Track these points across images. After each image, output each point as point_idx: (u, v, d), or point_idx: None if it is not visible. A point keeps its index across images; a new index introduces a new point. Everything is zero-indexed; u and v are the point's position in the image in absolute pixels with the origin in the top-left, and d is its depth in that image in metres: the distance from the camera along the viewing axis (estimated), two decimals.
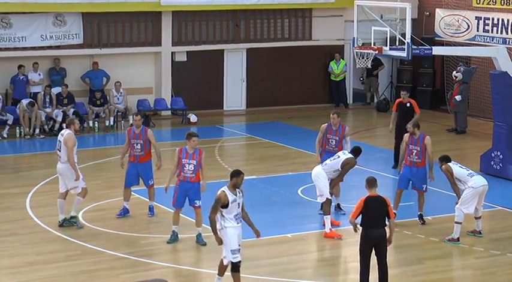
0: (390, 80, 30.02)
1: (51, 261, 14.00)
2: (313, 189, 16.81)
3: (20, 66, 24.53)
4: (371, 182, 12.47)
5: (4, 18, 24.46)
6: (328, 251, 14.93)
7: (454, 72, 25.29)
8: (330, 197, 15.78)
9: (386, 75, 29.89)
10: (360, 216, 12.33)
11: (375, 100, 29.26)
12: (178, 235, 15.01)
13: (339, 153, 16.17)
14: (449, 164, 15.48)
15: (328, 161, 16.00)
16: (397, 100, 20.98)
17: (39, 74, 24.90)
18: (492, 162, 19.89)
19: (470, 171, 15.75)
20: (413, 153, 16.47)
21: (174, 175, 14.89)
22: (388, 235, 12.30)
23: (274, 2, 27.58)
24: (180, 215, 16.37)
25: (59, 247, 14.75)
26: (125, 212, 16.47)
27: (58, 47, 25.36)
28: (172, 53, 26.97)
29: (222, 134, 24.90)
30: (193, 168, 14.66)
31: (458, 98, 24.80)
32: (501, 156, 19.75)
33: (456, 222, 15.19)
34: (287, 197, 17.90)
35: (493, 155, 19.90)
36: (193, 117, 25.86)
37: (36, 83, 24.74)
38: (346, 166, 15.86)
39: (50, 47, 25.21)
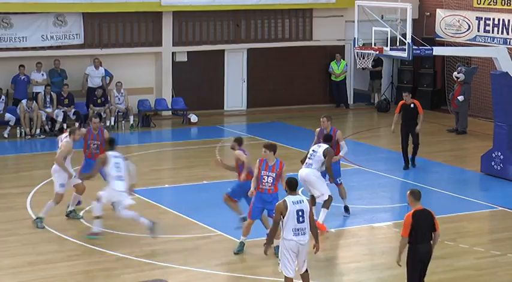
0: (391, 81, 30.02)
1: (52, 261, 14.00)
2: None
3: (20, 66, 24.55)
4: (416, 195, 11.76)
5: (5, 19, 24.47)
6: (329, 252, 14.91)
7: (455, 72, 25.27)
8: (330, 194, 15.72)
9: (387, 75, 29.89)
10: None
11: (376, 100, 29.26)
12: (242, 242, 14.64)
13: (314, 147, 16.00)
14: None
15: (308, 160, 15.81)
16: (400, 102, 20.78)
17: (43, 74, 24.90)
18: (493, 163, 19.88)
19: None
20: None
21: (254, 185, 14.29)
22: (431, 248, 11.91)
23: (274, 2, 27.57)
24: (181, 215, 16.47)
25: (60, 247, 14.74)
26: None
27: (59, 47, 25.37)
28: (172, 53, 26.97)
29: (223, 134, 24.88)
30: (272, 180, 14.16)
31: (460, 98, 24.79)
32: (502, 157, 19.74)
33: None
34: None
35: (493, 155, 19.90)
36: (193, 118, 25.86)
37: (40, 83, 24.74)
38: (328, 157, 15.72)
39: (50, 47, 25.22)
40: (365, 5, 22.53)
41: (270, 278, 13.39)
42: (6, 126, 23.54)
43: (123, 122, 25.25)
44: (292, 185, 11.94)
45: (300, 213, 11.73)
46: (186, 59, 27.16)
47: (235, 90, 28.05)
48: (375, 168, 20.60)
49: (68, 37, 25.42)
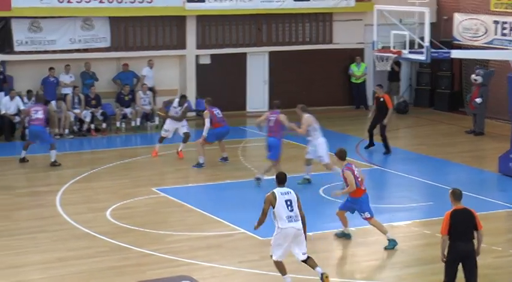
0: (409, 83, 29.97)
1: (81, 257, 14.09)
2: (334, 189, 16.89)
3: (50, 69, 24.73)
4: (457, 195, 11.86)
5: (35, 23, 24.65)
6: (349, 250, 14.94)
7: (474, 75, 25.20)
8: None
9: (405, 78, 29.85)
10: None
11: (395, 102, 29.20)
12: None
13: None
14: None
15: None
16: (375, 95, 22.53)
17: (71, 76, 25.09)
18: (510, 164, 19.77)
19: None
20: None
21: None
22: (476, 247, 11.87)
23: (295, 6, 27.62)
24: (205, 213, 16.56)
25: (88, 244, 14.84)
26: None
27: (86, 50, 25.53)
28: (196, 56, 27.06)
29: (245, 135, 24.95)
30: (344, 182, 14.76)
31: (478, 100, 24.72)
32: None
33: None
34: (308, 196, 17.91)
35: (511, 156, 19.82)
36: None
37: (68, 84, 24.93)
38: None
39: (78, 50, 25.39)
40: (384, 9, 22.56)
41: (291, 275, 13.42)
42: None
43: (148, 122, 25.38)
44: (281, 179, 12.66)
45: (289, 202, 12.43)
46: (210, 62, 27.25)
47: (257, 92, 28.10)
48: (393, 169, 20.60)
49: (95, 40, 25.57)
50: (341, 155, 14.79)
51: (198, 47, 27.03)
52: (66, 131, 23.95)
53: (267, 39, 28.00)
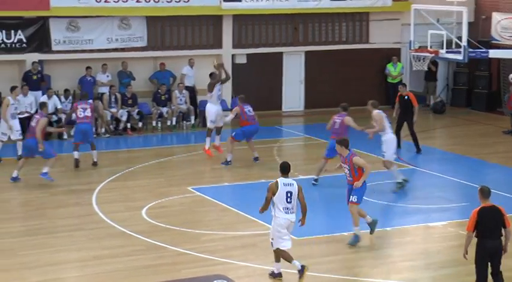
0: (446, 83, 29.77)
1: (117, 256, 14.17)
2: (369, 189, 16.78)
3: (87, 68, 24.91)
4: (485, 193, 11.86)
5: (72, 22, 24.84)
6: (384, 250, 14.87)
7: (511, 75, 24.97)
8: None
9: (442, 78, 29.65)
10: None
11: (431, 102, 29.04)
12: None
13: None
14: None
15: None
16: (398, 93, 22.30)
17: (108, 76, 25.25)
18: None
19: None
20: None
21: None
22: (503, 244, 11.88)
23: (332, 5, 27.55)
24: (240, 212, 16.56)
25: (124, 242, 14.92)
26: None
27: (123, 50, 25.67)
28: (232, 55, 27.10)
29: (281, 135, 24.95)
30: (348, 172, 14.77)
31: None
32: None
33: None
34: (344, 197, 17.83)
35: None
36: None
37: (104, 84, 25.09)
38: None
39: (115, 50, 25.54)
40: (421, 9, 22.45)
41: (327, 275, 13.40)
42: (73, 126, 23.85)
43: (184, 122, 25.47)
44: (285, 169, 12.99)
45: (289, 194, 12.78)
46: (246, 61, 27.28)
47: (292, 92, 28.09)
48: (430, 169, 20.47)
49: (132, 39, 25.71)
50: (346, 144, 14.87)
51: (234, 46, 27.06)
52: (103, 130, 24.11)
53: (303, 39, 27.97)
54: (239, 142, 20.76)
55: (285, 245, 12.95)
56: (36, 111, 23.15)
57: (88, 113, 20.30)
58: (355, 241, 14.73)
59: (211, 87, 21.12)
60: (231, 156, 20.50)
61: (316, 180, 18.61)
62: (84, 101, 20.71)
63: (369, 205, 16.70)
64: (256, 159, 20.85)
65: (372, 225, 15.07)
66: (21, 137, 20.71)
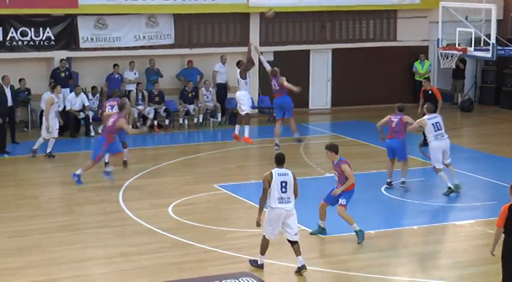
0: (474, 81, 29.58)
1: (143, 253, 14.19)
2: (397, 187, 16.75)
3: (114, 65, 25.01)
4: None
5: (100, 20, 24.95)
6: (411, 249, 14.80)
7: None
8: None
9: (470, 75, 29.46)
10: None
11: (459, 100, 28.87)
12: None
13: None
14: None
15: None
16: (422, 88, 22.26)
17: (135, 73, 25.34)
18: None
19: None
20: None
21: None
22: None
23: (359, 3, 27.46)
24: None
25: (150, 239, 14.96)
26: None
27: (150, 47, 25.74)
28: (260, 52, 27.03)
29: (308, 132, 24.90)
30: (337, 178, 14.79)
31: None
32: None
33: None
34: (370, 195, 17.81)
35: None
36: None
37: (132, 81, 25.19)
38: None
39: (143, 47, 25.62)
40: (449, 6, 22.32)
41: (353, 273, 13.36)
42: (101, 123, 23.98)
43: (211, 119, 25.50)
44: (279, 160, 13.16)
45: (283, 184, 12.99)
46: (273, 59, 27.24)
47: (320, 90, 28.05)
48: (457, 167, 20.29)
49: (159, 37, 25.78)
50: (336, 149, 14.77)
51: (261, 44, 27.02)
52: (130, 127, 24.15)
53: (330, 37, 27.91)
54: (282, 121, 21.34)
55: (270, 236, 13.22)
56: (64, 109, 23.41)
57: (116, 110, 20.28)
58: (362, 237, 14.67)
59: (243, 74, 20.80)
60: (278, 139, 21.29)
61: (389, 183, 18.26)
62: (112, 99, 20.77)
63: (397, 203, 16.68)
64: (297, 140, 21.43)
65: (359, 234, 14.82)
66: (57, 136, 20.90)
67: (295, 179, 13.15)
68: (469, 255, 14.37)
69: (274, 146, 21.05)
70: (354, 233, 14.74)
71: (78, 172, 18.60)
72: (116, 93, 21.46)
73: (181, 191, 18.10)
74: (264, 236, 13.32)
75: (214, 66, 26.02)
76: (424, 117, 18.14)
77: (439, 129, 18.03)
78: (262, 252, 13.37)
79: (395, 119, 18.15)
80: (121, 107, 19.07)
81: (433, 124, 17.98)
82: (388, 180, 18.20)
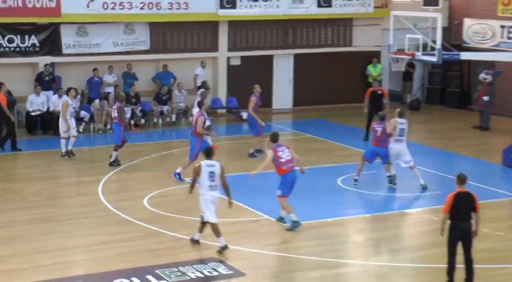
0: (422, 82, 29.76)
1: (121, 241, 14.16)
2: (350, 179, 16.80)
3: (94, 69, 24.84)
4: (461, 179, 12.03)
5: (82, 28, 24.76)
6: (364, 234, 14.86)
7: (483, 74, 24.97)
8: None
9: (418, 78, 29.66)
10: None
11: (408, 100, 29.03)
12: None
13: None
14: None
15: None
16: (370, 89, 22.96)
17: (113, 76, 25.18)
18: None
19: None
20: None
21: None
22: (474, 228, 11.97)
23: (319, 12, 27.50)
24: (234, 201, 16.57)
25: (127, 229, 14.90)
26: None
27: (128, 53, 25.59)
28: (227, 57, 27.05)
29: (271, 130, 24.79)
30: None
31: (486, 98, 24.53)
32: None
33: None
34: (328, 186, 17.87)
35: None
36: (245, 115, 25.83)
37: (110, 84, 25.02)
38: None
39: (120, 53, 25.45)
40: (400, 15, 22.42)
41: (311, 258, 13.38)
42: (82, 122, 23.88)
43: (183, 118, 25.43)
44: (208, 153, 13.58)
45: (211, 174, 13.40)
46: (240, 63, 27.24)
47: (282, 91, 28.03)
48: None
49: (136, 43, 25.63)
50: (272, 138, 15.19)
51: (230, 49, 27.01)
52: (108, 126, 24.02)
53: (292, 43, 27.91)
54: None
55: (212, 219, 13.45)
56: (47, 110, 23.22)
57: (115, 113, 19.92)
58: (294, 226, 14.71)
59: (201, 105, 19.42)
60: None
61: (356, 180, 18.00)
62: (116, 103, 20.30)
63: (352, 194, 16.75)
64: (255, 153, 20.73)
65: (294, 224, 14.75)
66: (76, 134, 20.72)
67: (222, 170, 13.47)
68: (418, 240, 14.48)
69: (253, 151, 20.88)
70: (300, 221, 14.73)
71: (178, 170, 18.31)
72: (121, 97, 20.85)
73: (156, 184, 18.02)
74: (212, 224, 13.51)
75: (195, 70, 25.83)
76: (397, 119, 17.94)
77: (401, 135, 17.95)
78: (218, 235, 13.51)
79: (379, 128, 17.88)
80: (200, 104, 19.02)
81: (400, 129, 17.91)
82: (356, 178, 18.06)
